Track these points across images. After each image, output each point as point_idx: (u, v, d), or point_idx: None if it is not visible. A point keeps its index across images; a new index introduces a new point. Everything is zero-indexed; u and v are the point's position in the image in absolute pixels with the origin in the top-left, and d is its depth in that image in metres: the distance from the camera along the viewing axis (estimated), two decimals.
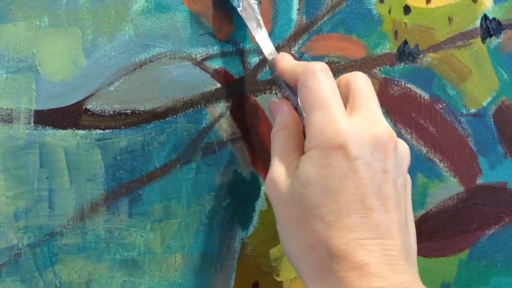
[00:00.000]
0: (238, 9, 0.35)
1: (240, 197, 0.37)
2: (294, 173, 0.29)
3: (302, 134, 0.31)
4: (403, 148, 0.30)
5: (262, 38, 0.35)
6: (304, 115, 0.29)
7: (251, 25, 0.35)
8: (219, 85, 0.36)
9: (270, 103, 0.33)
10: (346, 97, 0.30)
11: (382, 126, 0.28)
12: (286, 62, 0.32)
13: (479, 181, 0.41)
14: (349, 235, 0.26)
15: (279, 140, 0.31)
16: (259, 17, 0.35)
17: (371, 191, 0.27)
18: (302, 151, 0.30)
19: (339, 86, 0.30)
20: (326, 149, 0.27)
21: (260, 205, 0.37)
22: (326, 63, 0.38)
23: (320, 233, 0.27)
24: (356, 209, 0.26)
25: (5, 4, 0.32)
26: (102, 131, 0.34)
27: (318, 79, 0.29)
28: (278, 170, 0.30)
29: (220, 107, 0.36)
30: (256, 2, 0.35)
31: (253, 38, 0.37)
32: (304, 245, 0.28)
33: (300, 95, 0.30)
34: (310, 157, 0.28)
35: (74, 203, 0.34)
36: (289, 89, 0.32)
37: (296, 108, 0.31)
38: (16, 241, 0.33)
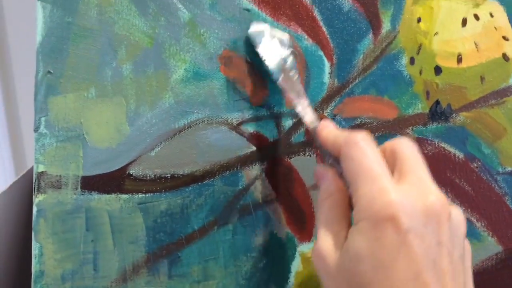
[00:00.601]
0: (278, 82, 0.36)
1: (276, 258, 0.37)
2: (343, 246, 0.28)
3: (348, 202, 0.30)
4: (458, 216, 0.28)
5: (303, 107, 0.35)
6: (350, 186, 0.28)
7: (292, 95, 0.35)
8: (254, 148, 0.38)
9: (315, 170, 0.32)
10: (392, 165, 0.29)
11: (433, 194, 0.27)
12: (328, 131, 0.32)
13: None
14: None
15: (325, 209, 0.30)
16: (299, 86, 0.36)
17: (425, 266, 0.25)
18: (349, 221, 0.29)
19: (384, 154, 0.29)
20: (375, 221, 0.26)
21: (295, 266, 0.37)
22: (359, 124, 0.39)
23: None
24: (410, 286, 0.25)
25: (55, 77, 0.35)
26: (143, 195, 0.36)
27: (362, 149, 0.28)
28: (325, 241, 0.28)
29: (256, 170, 0.38)
30: (296, 71, 0.36)
31: (286, 102, 0.38)
32: None
33: (344, 166, 0.29)
34: (359, 230, 0.27)
35: (117, 265, 0.35)
36: (333, 157, 0.32)
37: (341, 176, 0.31)
38: None
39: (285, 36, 0.38)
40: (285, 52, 0.37)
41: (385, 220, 0.26)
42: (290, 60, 0.36)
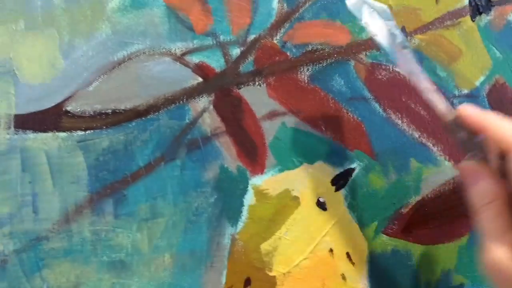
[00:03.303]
0: (397, 63, 0.32)
1: (227, 192, 0.36)
2: None
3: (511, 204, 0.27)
4: None
5: (431, 93, 0.31)
6: None
7: (413, 79, 0.31)
8: (200, 80, 0.36)
9: (463, 168, 0.29)
10: None
11: None
12: (481, 119, 0.28)
13: None
14: None
15: (489, 216, 0.27)
16: (416, 66, 0.32)
17: None
18: None
19: None
20: None
21: (248, 199, 0.36)
22: (310, 50, 0.37)
23: None
24: None
25: None
26: (83, 133, 0.34)
27: None
28: (501, 252, 0.26)
29: (203, 102, 0.36)
30: (409, 49, 0.32)
31: (233, 30, 0.36)
32: None
33: None
34: None
35: (58, 207, 0.33)
36: (485, 152, 0.28)
37: (498, 172, 0.28)
38: (2, 248, 0.33)
39: (384, 8, 0.33)
40: (389, 25, 0.32)
41: None
42: (399, 35, 0.32)
